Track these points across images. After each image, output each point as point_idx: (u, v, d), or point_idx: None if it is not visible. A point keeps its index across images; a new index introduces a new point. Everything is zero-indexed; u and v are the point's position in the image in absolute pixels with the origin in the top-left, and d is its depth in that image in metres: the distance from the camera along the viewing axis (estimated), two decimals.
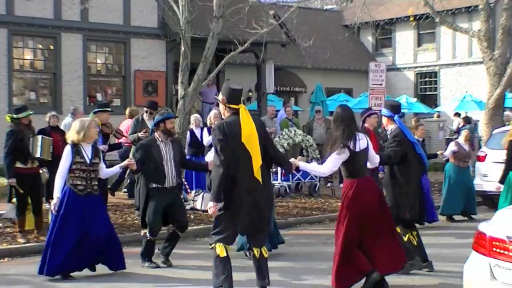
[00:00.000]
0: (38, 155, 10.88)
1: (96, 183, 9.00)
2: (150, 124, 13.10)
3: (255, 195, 7.28)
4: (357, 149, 7.81)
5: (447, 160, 14.38)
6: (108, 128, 12.24)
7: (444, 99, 30.88)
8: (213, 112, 15.23)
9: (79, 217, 8.75)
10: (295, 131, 17.00)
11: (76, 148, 8.85)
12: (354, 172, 7.90)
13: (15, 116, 10.90)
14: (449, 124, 26.92)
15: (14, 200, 11.96)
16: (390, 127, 9.21)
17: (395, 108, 9.24)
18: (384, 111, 9.32)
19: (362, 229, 7.84)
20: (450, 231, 12.96)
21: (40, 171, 11.40)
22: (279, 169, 15.57)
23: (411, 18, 26.10)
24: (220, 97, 7.51)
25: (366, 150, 7.97)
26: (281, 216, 13.89)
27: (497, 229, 5.74)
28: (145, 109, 13.38)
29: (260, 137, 7.31)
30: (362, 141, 7.91)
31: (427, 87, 32.38)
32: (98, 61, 20.82)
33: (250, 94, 27.04)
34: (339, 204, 8.11)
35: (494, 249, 5.66)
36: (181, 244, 11.43)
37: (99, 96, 20.28)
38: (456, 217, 14.24)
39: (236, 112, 7.35)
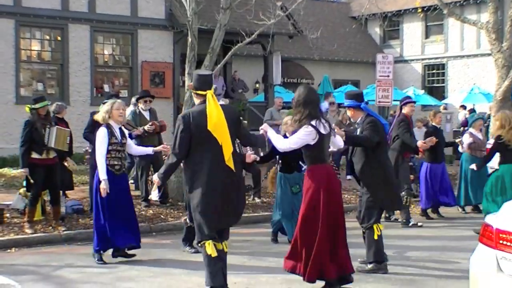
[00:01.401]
0: (52, 145, 10.95)
1: (125, 162, 9.27)
2: (146, 115, 13.17)
3: (228, 184, 7.03)
4: (325, 132, 7.43)
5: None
6: None
7: (451, 91, 30.80)
8: (220, 103, 15.23)
9: (118, 196, 9.08)
10: None
11: (110, 130, 9.12)
12: (321, 157, 7.47)
13: (32, 106, 10.98)
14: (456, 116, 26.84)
15: (21, 190, 12.02)
16: (359, 117, 8.85)
17: (359, 97, 8.92)
18: (349, 102, 8.87)
19: (335, 219, 7.48)
20: (457, 223, 12.94)
21: (66, 163, 11.51)
22: None
23: (419, 10, 26.01)
24: (189, 83, 7.51)
25: (330, 134, 7.56)
26: None
27: (504, 221, 5.72)
28: (142, 100, 13.39)
29: (229, 124, 7.07)
30: (327, 124, 7.52)
31: (434, 79, 32.29)
32: (105, 52, 20.84)
33: (257, 85, 27.03)
34: (309, 192, 7.44)
35: (501, 241, 5.64)
36: None
37: (106, 87, 20.32)
38: (467, 208, 14.17)
39: (205, 100, 7.14)
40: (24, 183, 11.50)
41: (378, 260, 8.65)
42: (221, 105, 7.25)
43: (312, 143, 7.33)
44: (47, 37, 19.82)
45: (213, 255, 6.99)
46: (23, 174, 11.01)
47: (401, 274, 8.70)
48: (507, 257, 5.57)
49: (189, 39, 14.53)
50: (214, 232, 7.05)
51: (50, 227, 11.14)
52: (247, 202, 13.92)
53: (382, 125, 8.78)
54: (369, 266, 8.67)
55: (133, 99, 14.53)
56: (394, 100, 19.49)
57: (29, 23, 19.20)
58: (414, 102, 13.15)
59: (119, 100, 9.54)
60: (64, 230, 11.08)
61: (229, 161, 6.99)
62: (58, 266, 9.14)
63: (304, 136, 7.30)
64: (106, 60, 20.87)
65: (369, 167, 8.64)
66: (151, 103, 13.50)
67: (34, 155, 10.90)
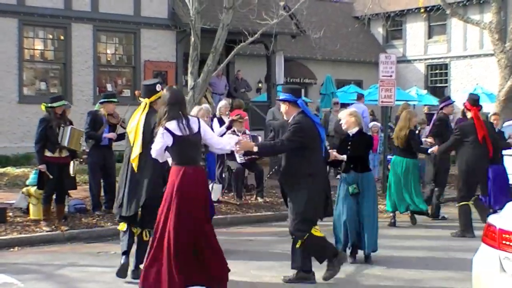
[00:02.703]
0: (65, 144, 11.02)
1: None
2: None
3: (135, 179, 7.88)
4: (183, 133, 7.10)
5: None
6: (114, 118, 12.27)
7: (454, 91, 30.75)
8: (223, 102, 15.24)
9: None
10: None
11: None
12: (181, 159, 7.17)
13: (49, 104, 11.07)
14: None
15: (24, 189, 12.04)
16: (292, 115, 8.07)
17: (297, 92, 8.22)
18: (285, 96, 8.14)
19: (193, 227, 7.03)
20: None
21: (72, 162, 11.54)
22: None
23: (422, 10, 26.05)
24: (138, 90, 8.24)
25: (197, 135, 7.21)
26: None
27: (507, 222, 5.72)
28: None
29: (146, 130, 7.76)
30: (193, 126, 7.20)
31: (437, 79, 32.27)
32: (108, 51, 20.84)
33: (260, 85, 27.02)
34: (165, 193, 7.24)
35: (504, 241, 5.63)
36: None
37: (109, 87, 20.30)
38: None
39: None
40: (35, 179, 11.54)
41: (305, 269, 8.11)
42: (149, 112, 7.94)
43: (169, 144, 7.15)
44: (50, 36, 19.83)
45: (121, 229, 8.16)
46: (40, 169, 11.09)
47: (404, 274, 8.70)
48: (510, 257, 5.57)
49: (192, 39, 14.55)
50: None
51: (53, 226, 11.14)
52: (249, 202, 14.05)
53: (311, 127, 8.03)
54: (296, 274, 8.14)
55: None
56: (397, 100, 19.46)
57: (32, 22, 19.20)
58: (453, 102, 13.71)
59: (204, 106, 9.95)
60: (67, 229, 11.10)
61: (133, 160, 7.83)
62: (60, 265, 9.14)
63: (160, 138, 7.16)
64: (109, 59, 20.87)
65: (293, 173, 8.01)
66: None
67: (47, 153, 11.02)
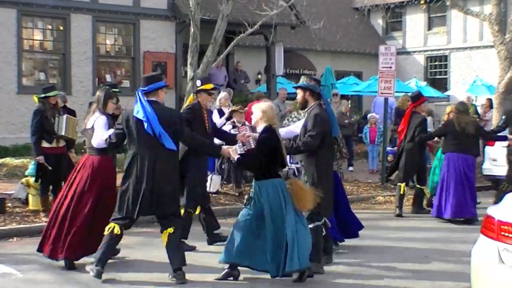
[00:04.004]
0: (62, 133, 11.01)
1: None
2: None
3: None
4: (85, 126, 8.55)
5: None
6: (116, 109, 12.22)
7: (454, 83, 30.73)
8: (223, 93, 15.20)
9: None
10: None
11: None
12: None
13: (42, 95, 11.06)
14: None
15: (23, 180, 12.04)
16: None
17: (149, 79, 7.80)
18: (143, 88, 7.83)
19: (69, 204, 8.35)
20: None
21: (70, 154, 11.52)
22: None
23: (422, 1, 25.94)
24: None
25: (90, 130, 8.42)
26: None
27: (506, 213, 5.72)
28: None
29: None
30: (89, 122, 8.50)
31: (437, 71, 32.22)
32: (108, 42, 20.81)
33: (259, 76, 26.99)
34: None
35: (503, 233, 5.64)
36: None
37: (108, 77, 20.29)
38: None
39: None
40: (33, 171, 11.52)
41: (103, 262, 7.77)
42: None
43: None
44: (49, 27, 19.79)
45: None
46: (38, 161, 11.07)
47: (403, 265, 8.71)
48: (509, 249, 5.57)
49: (192, 30, 14.53)
50: None
51: None
52: (249, 192, 14.05)
53: (129, 120, 7.65)
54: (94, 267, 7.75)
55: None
56: (397, 92, 19.45)
57: (31, 13, 19.17)
58: None
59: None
60: None
61: None
62: None
63: None
64: (108, 50, 20.84)
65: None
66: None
67: (44, 144, 10.98)
